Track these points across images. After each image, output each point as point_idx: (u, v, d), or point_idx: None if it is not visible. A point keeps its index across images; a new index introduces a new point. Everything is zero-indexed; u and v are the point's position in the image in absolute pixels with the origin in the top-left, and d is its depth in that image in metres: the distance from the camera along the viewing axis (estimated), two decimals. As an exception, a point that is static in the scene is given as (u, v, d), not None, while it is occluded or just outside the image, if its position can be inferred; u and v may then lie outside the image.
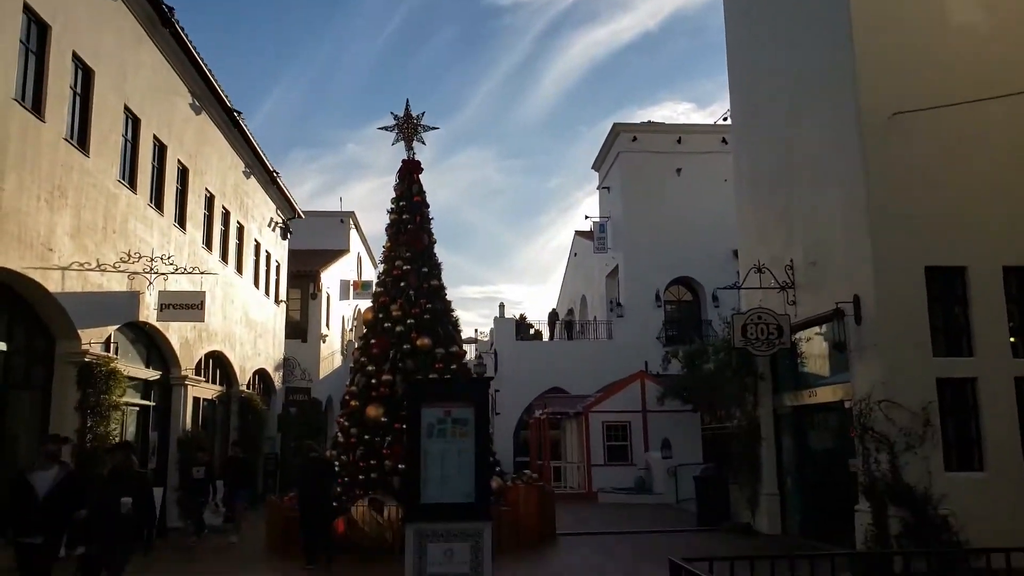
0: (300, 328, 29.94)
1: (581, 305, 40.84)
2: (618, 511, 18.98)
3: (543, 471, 26.81)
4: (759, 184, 14.63)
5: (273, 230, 24.81)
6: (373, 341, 13.43)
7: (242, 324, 20.49)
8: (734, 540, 13.10)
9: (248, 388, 21.38)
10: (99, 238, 12.77)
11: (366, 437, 12.54)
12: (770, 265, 13.11)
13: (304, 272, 29.80)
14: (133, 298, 13.97)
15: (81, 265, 12.10)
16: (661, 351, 29.33)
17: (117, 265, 13.27)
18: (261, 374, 23.55)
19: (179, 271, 14.82)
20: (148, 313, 14.48)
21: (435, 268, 14.07)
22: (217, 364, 19.44)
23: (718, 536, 13.72)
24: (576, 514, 18.30)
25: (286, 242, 26.60)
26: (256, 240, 22.60)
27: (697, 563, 4.63)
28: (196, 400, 17.64)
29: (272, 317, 24.47)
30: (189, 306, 14.59)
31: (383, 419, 12.48)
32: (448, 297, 14.26)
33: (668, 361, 25.08)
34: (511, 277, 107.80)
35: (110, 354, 12.80)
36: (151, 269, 14.42)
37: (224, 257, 19.48)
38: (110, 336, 13.43)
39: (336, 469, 12.53)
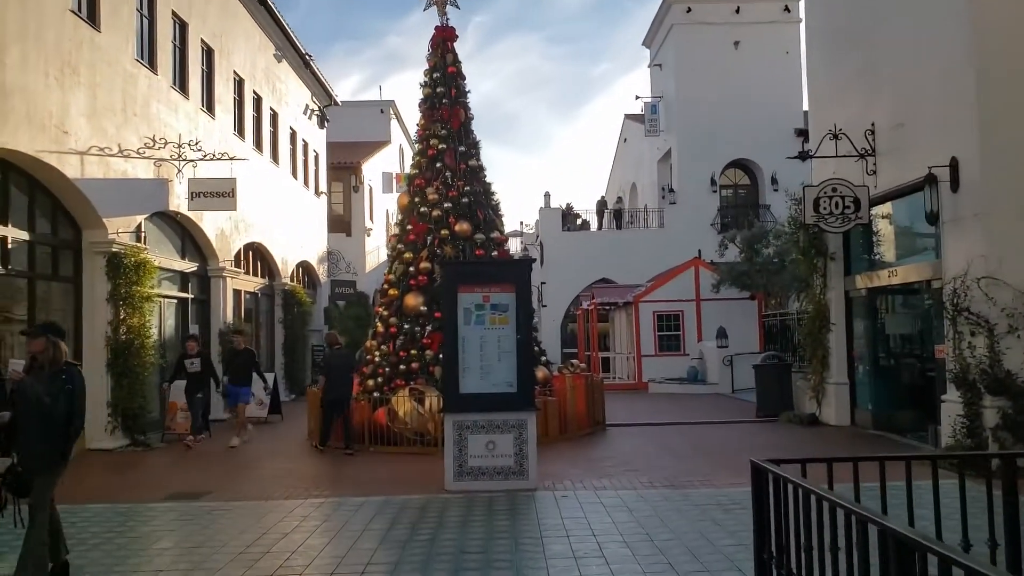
0: (344, 222, 29.43)
1: (631, 193, 39.36)
2: (670, 402, 18.42)
3: (591, 362, 26.42)
4: (835, 40, 12.97)
5: (309, 118, 23.85)
6: (409, 227, 12.64)
7: (281, 215, 19.92)
8: (798, 432, 12.37)
9: (291, 281, 21.07)
10: (119, 121, 12.03)
11: (405, 327, 11.95)
12: (847, 130, 11.70)
13: (345, 164, 28.98)
14: (161, 186, 13.36)
15: (101, 150, 11.43)
16: (716, 238, 28.03)
17: (141, 151, 12.58)
18: (305, 267, 23.21)
19: (208, 157, 14.09)
20: (179, 203, 13.91)
21: (473, 147, 13.02)
22: (257, 256, 19.03)
23: (780, 427, 13.00)
24: (626, 405, 17.79)
25: (324, 131, 25.65)
26: (291, 128, 21.72)
27: (786, 464, 3.80)
28: (237, 293, 17.34)
29: (313, 209, 23.88)
30: (220, 194, 13.94)
31: (422, 308, 11.82)
32: (488, 179, 13.29)
33: (725, 247, 23.83)
34: (557, 168, 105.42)
35: (139, 244, 12.30)
36: (179, 156, 13.73)
37: (258, 145, 18.70)
38: (140, 225, 12.93)
39: (365, 359, 12.34)
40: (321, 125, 25.39)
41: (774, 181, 31.24)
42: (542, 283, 31.64)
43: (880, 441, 10.96)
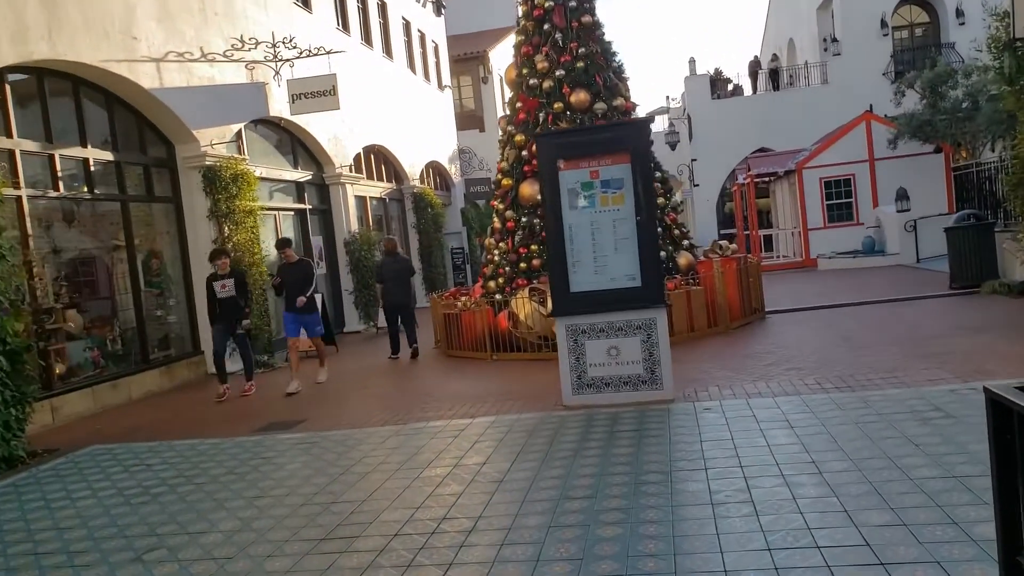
0: (475, 117, 28.09)
1: (788, 51, 34.93)
2: (844, 278, 16.03)
3: (751, 241, 23.99)
4: None
5: (424, 6, 22.36)
6: (519, 104, 11.07)
7: (400, 113, 18.90)
8: (1009, 305, 9.96)
9: (421, 183, 20.25)
10: (198, 22, 11.20)
11: (523, 220, 10.62)
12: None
13: (471, 55, 27.34)
14: (258, 91, 12.58)
15: (180, 55, 10.68)
16: (889, 89, 24.06)
17: (228, 53, 11.77)
18: (435, 168, 22.33)
19: (304, 54, 13.09)
20: (280, 108, 13.13)
21: (586, 0, 11.04)
22: (380, 159, 18.25)
23: (983, 301, 10.59)
24: (792, 287, 15.68)
25: (442, 19, 24.11)
26: (404, 18, 20.36)
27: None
28: (361, 199, 16.71)
29: (437, 105, 22.71)
30: (321, 93, 13.01)
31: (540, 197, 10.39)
32: (608, 37, 11.31)
33: (902, 94, 20.21)
34: (700, 33, 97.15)
35: (237, 155, 11.66)
36: (275, 56, 12.84)
37: (366, 39, 17.57)
38: (241, 135, 12.31)
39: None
40: (438, 12, 23.87)
41: (959, 14, 26.34)
42: (693, 160, 29.06)
43: None
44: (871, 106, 22.16)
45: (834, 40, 28.13)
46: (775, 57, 34.26)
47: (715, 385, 7.01)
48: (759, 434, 5.27)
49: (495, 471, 5.10)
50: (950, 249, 12.01)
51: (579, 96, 10.64)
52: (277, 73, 12.92)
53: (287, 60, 12.99)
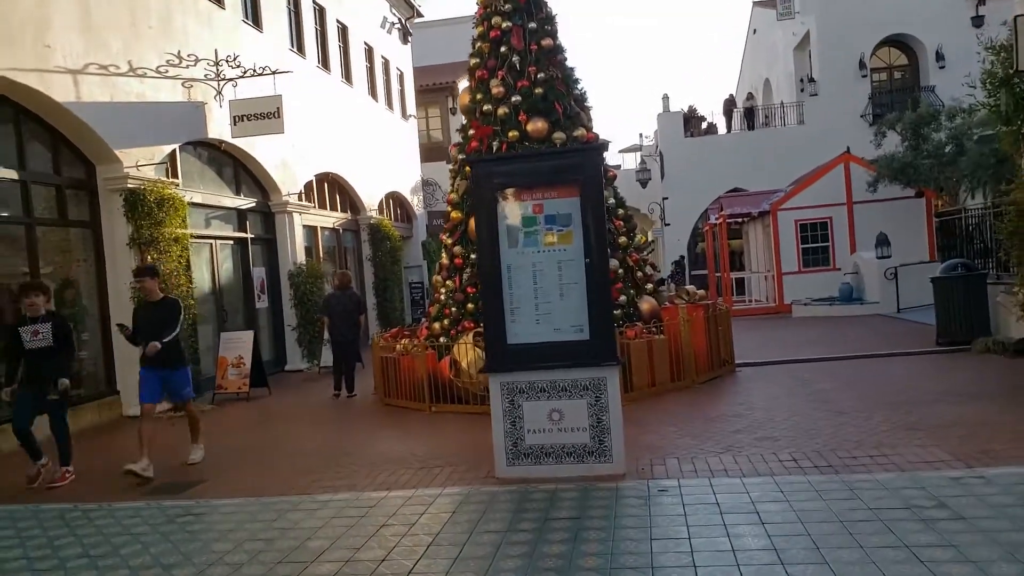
0: (442, 148, 27.19)
1: (764, 90, 34.78)
2: (819, 327, 15.24)
3: (722, 285, 23.25)
4: None
5: (389, 32, 21.60)
6: (472, 132, 10.19)
7: (359, 141, 17.97)
8: (1005, 365, 9.16)
9: (380, 214, 19.27)
10: (127, 35, 10.22)
11: (472, 256, 9.67)
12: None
13: (439, 85, 26.56)
14: (195, 111, 11.59)
15: (104, 68, 9.68)
16: (867, 131, 23.69)
17: (163, 69, 10.79)
18: (396, 198, 21.39)
19: (247, 74, 12.16)
20: (221, 131, 12.14)
21: (547, 22, 10.23)
22: (334, 188, 17.26)
23: (976, 360, 9.77)
24: (764, 334, 14.86)
25: (408, 47, 23.37)
26: (366, 43, 19.55)
27: None
28: (311, 229, 15.68)
29: (401, 134, 21.84)
30: (264, 115, 12.05)
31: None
32: (570, 63, 10.51)
33: (883, 135, 19.71)
34: (675, 71, 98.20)
35: (164, 178, 10.61)
36: (216, 75, 11.89)
37: (324, 62, 16.69)
38: (174, 156, 11.28)
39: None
40: (404, 40, 23.12)
41: (940, 57, 26.21)
42: (664, 199, 28.47)
43: None
44: (848, 148, 21.72)
45: (811, 80, 27.88)
46: (751, 96, 34.07)
47: (674, 456, 6.02)
48: (722, 531, 4.27)
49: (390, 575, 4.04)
50: (937, 301, 11.22)
51: (536, 124, 9.76)
52: (219, 93, 11.96)
53: (230, 80, 12.04)
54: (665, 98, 29.65)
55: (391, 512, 5.08)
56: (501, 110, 9.96)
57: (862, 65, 26.81)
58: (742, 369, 10.42)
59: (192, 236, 11.17)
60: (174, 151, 11.21)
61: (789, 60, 30.53)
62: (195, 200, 11.60)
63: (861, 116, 26.25)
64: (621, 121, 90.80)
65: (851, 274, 18.54)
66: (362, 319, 11.08)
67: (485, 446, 6.26)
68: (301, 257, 14.47)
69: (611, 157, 45.11)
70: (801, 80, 28.80)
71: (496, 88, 10.07)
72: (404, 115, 22.40)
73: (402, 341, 9.71)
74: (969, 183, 17.65)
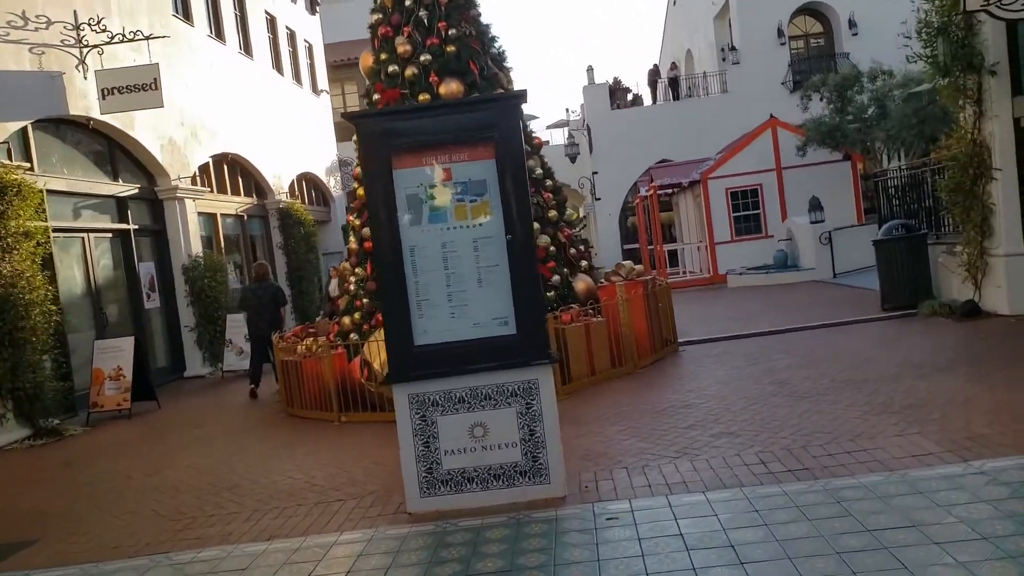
0: (360, 126, 25.75)
1: (687, 60, 34.32)
2: (758, 297, 14.66)
3: (656, 258, 22.65)
4: None
5: (294, 1, 19.96)
6: (376, 96, 9.00)
7: (263, 118, 16.43)
8: (957, 330, 8.59)
9: (291, 197, 17.78)
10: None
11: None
12: None
13: (355, 60, 24.90)
14: (50, 83, 9.97)
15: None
16: (789, 99, 23.43)
17: (4, 32, 9.17)
18: (310, 180, 19.88)
19: (115, 39, 10.59)
20: (88, 106, 10.57)
21: (458, -28, 9.10)
22: (236, 170, 15.72)
23: (925, 324, 9.21)
24: (703, 308, 14.19)
25: (317, 17, 21.76)
26: (268, 12, 17.92)
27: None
28: (209, 217, 14.16)
29: (312, 111, 20.28)
30: (139, 87, 10.56)
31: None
32: (485, 19, 9.40)
33: (808, 98, 19.31)
34: (599, 42, 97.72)
35: (8, 161, 9.02)
36: (78, 39, 10.30)
37: (218, 31, 15.08)
38: (26, 135, 9.69)
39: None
40: (312, 10, 21.51)
41: (852, 24, 26.24)
42: (594, 173, 27.68)
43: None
44: (771, 115, 21.30)
45: (732, 48, 27.46)
46: (674, 66, 33.53)
47: (623, 467, 5.07)
48: (690, 575, 3.33)
49: None
50: (880, 265, 10.65)
51: (450, 86, 8.63)
52: (82, 62, 10.38)
53: (95, 46, 10.47)
54: (590, 70, 28.75)
55: None
56: (409, 71, 8.79)
57: (780, 33, 26.56)
58: (686, 348, 9.62)
59: (55, 230, 9.64)
60: (25, 130, 9.61)
61: (710, 29, 30.12)
62: (57, 188, 10.04)
63: (782, 83, 25.99)
64: (548, 96, 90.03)
65: (785, 240, 18.12)
66: (283, 312, 10.59)
67: (395, 469, 5.17)
68: (197, 248, 12.96)
69: (540, 132, 44.22)
70: (722, 49, 28.39)
71: (402, 47, 8.89)
72: (315, 90, 20.84)
73: (306, 341, 8.48)
74: (893, 144, 17.40)
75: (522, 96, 4.75)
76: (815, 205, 16.56)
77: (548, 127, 38.43)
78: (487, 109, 4.71)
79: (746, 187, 19.57)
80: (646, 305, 8.95)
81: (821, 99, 19.19)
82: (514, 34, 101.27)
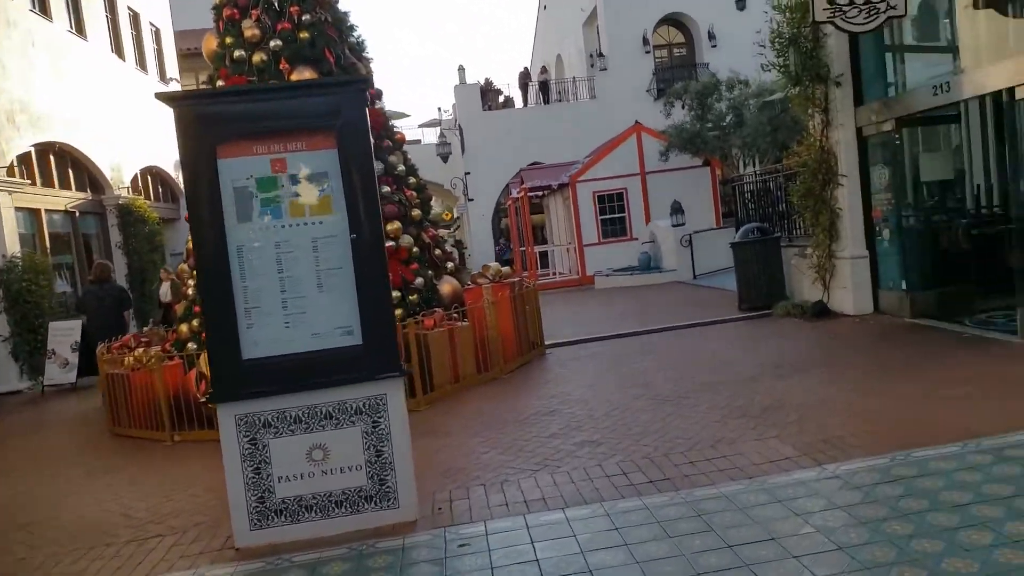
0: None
1: (557, 65, 34.78)
2: (623, 298, 14.85)
3: (527, 259, 22.66)
4: None
5: (135, -20, 18.40)
6: (221, 84, 8.24)
7: (101, 105, 14.97)
8: (810, 330, 8.90)
9: (132, 192, 16.33)
10: None
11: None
12: None
13: (209, 48, 23.49)
14: None
15: None
16: (654, 106, 24.15)
17: None
18: (156, 174, 18.40)
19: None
20: None
21: (311, -49, 8.50)
22: (66, 162, 14.20)
23: (780, 324, 9.51)
24: (571, 309, 14.20)
25: (166, 0, 20.20)
26: (104, -10, 16.39)
27: None
28: (31, 213, 12.69)
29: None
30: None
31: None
32: (343, 6, 8.85)
33: (671, 105, 19.90)
34: (472, 44, 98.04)
35: None
36: None
37: (43, 8, 13.56)
38: None
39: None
40: (158, -9, 19.93)
41: (712, 36, 27.39)
42: (466, 173, 27.42)
43: (941, 337, 7.50)
44: (636, 121, 21.83)
45: (600, 55, 28.01)
46: (544, 70, 33.89)
47: (480, 483, 4.73)
48: (548, 611, 3.03)
49: None
50: (737, 267, 10.96)
51: (303, 75, 8.01)
52: None
53: None
54: (461, 70, 28.50)
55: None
56: (257, 57, 8.09)
57: (645, 42, 27.35)
58: (552, 351, 9.46)
59: None
60: None
61: (579, 36, 30.63)
62: None
63: (647, 91, 26.76)
64: (420, 95, 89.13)
65: (648, 243, 18.52)
66: (127, 316, 10.10)
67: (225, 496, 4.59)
68: (15, 248, 11.52)
69: (411, 132, 43.55)
70: (591, 55, 28.92)
71: (250, 30, 8.18)
72: (164, 79, 19.33)
73: (136, 351, 7.61)
74: (749, 150, 18.21)
75: (366, 81, 4.32)
76: (676, 209, 17.02)
77: (420, 126, 37.93)
78: (329, 94, 4.24)
79: (612, 191, 19.89)
80: (513, 308, 8.70)
81: (683, 107, 19.83)
82: (386, 31, 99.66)
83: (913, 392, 5.61)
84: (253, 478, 4.05)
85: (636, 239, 19.47)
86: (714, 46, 27.39)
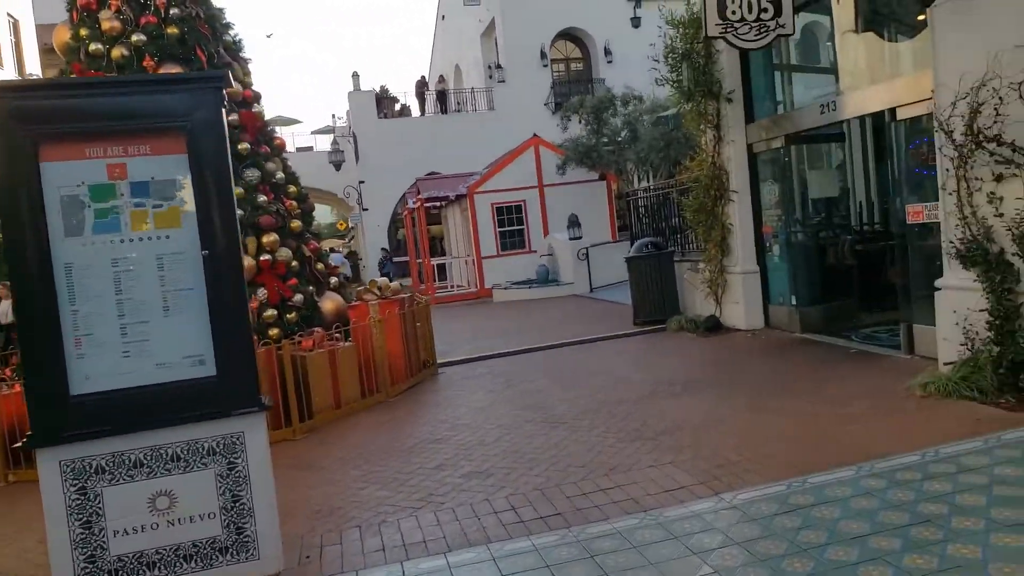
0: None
1: (455, 75, 34.51)
2: (521, 311, 14.64)
3: (424, 272, 22.18)
4: None
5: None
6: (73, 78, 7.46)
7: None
8: (703, 345, 8.90)
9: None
10: None
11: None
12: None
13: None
14: None
15: None
16: (551, 119, 24.29)
17: None
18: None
19: None
20: None
21: (181, -59, 7.83)
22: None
23: (674, 339, 9.50)
24: (468, 323, 13.86)
25: (26, -9, 18.62)
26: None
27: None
28: None
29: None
30: None
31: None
32: (218, 3, 8.20)
33: (568, 119, 19.99)
34: (367, 50, 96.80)
35: None
36: None
37: None
38: None
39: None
40: (20, -19, 18.35)
41: (608, 52, 27.88)
42: (361, 182, 26.67)
43: (830, 352, 7.59)
44: (535, 133, 21.82)
45: (498, 67, 27.96)
46: (442, 79, 33.61)
47: (356, 524, 4.29)
48: None
49: None
50: (632, 281, 10.92)
51: (171, 72, 7.34)
52: None
53: None
54: (355, 76, 27.72)
55: None
56: (117, 51, 7.35)
57: (543, 55, 27.53)
58: (445, 370, 9.07)
59: None
60: None
61: (477, 47, 30.53)
62: None
63: (544, 104, 26.89)
64: (313, 102, 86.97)
65: (546, 256, 18.45)
66: None
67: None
68: None
69: (303, 139, 42.24)
70: (489, 67, 28.85)
71: (109, 23, 7.42)
72: (22, 74, 17.75)
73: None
74: (643, 165, 18.48)
75: (221, 76, 3.81)
76: (573, 222, 17.01)
77: (313, 132, 36.94)
78: (179, 91, 3.71)
79: (511, 203, 19.73)
80: (403, 326, 8.25)
81: (580, 121, 19.95)
82: (277, 36, 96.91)
83: (805, 410, 5.57)
84: (82, 535, 3.45)
85: (535, 252, 19.36)
86: (610, 62, 27.86)
